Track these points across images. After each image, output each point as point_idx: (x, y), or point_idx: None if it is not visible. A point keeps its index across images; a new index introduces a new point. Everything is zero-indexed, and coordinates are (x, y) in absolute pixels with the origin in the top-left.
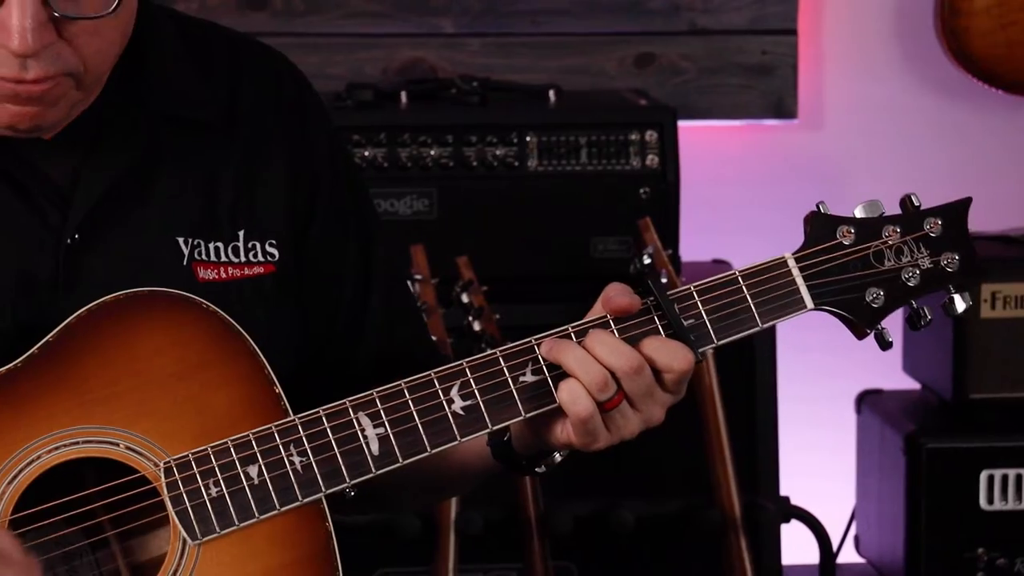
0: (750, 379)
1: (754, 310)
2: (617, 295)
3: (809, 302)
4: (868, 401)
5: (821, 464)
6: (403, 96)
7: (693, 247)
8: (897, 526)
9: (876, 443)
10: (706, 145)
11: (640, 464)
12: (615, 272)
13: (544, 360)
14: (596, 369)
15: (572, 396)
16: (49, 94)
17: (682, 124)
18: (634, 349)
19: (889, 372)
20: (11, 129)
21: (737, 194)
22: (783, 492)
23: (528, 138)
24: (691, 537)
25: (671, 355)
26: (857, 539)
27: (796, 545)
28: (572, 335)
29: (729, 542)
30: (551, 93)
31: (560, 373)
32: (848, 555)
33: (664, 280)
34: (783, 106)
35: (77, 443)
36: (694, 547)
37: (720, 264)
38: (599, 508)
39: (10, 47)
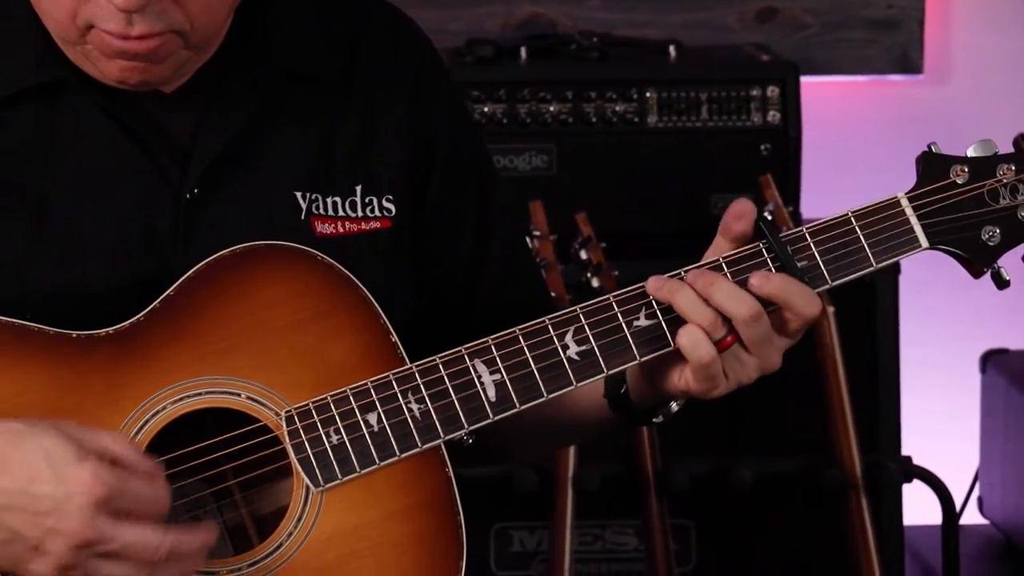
0: (872, 337)
1: (868, 250)
2: (734, 219)
3: (924, 241)
4: (993, 361)
5: (944, 424)
6: (522, 52)
7: (815, 204)
8: (1023, 488)
9: (1001, 404)
10: (829, 101)
11: (759, 422)
12: None
13: (658, 304)
14: (707, 309)
15: (693, 342)
16: (156, 52)
17: (804, 79)
18: (750, 295)
19: (1015, 332)
20: (121, 83)
21: (860, 150)
22: (905, 452)
23: (648, 94)
24: (810, 496)
25: (804, 300)
26: (980, 500)
27: (918, 506)
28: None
29: (849, 501)
30: (671, 48)
31: (674, 317)
32: (971, 516)
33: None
34: (908, 61)
35: (200, 394)
36: (813, 506)
37: None
38: (716, 466)
39: (114, 2)
